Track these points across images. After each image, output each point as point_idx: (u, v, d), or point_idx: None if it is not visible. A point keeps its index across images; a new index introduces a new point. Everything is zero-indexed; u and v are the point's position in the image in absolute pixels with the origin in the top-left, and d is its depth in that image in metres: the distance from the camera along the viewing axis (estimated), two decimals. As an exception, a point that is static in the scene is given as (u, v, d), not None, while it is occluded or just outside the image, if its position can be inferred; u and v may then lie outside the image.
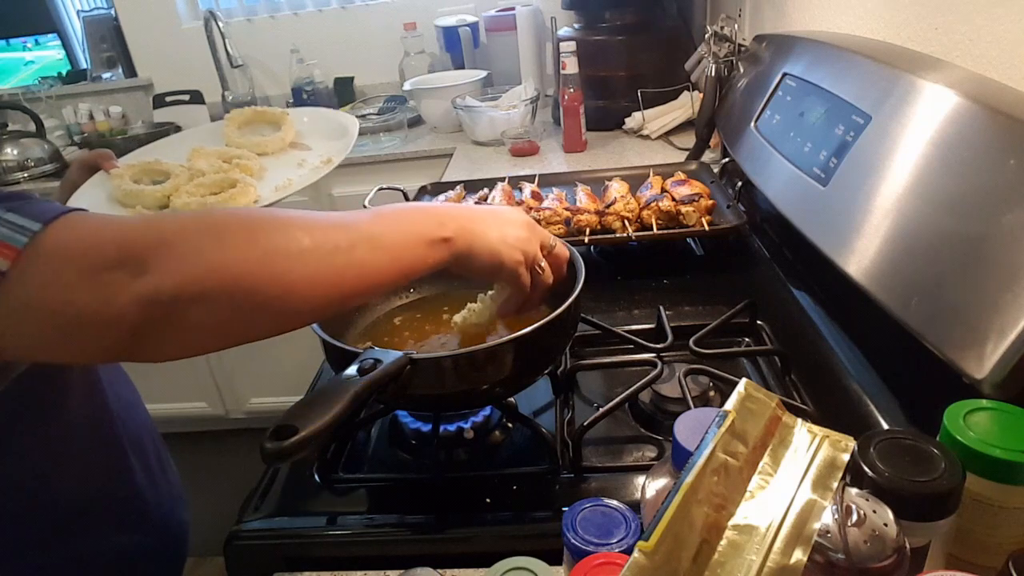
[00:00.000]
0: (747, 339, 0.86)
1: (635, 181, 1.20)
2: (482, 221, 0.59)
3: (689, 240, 1.14)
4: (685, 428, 0.46)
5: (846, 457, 0.38)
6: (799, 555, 0.33)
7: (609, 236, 1.05)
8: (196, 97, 2.42)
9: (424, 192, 1.36)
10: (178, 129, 2.36)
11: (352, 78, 2.44)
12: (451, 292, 0.84)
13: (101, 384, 0.68)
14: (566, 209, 1.07)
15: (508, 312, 0.68)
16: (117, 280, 0.42)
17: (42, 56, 2.93)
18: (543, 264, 0.64)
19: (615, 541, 0.46)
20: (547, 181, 1.30)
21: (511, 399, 0.75)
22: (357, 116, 2.15)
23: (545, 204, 1.10)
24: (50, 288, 0.43)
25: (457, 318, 0.74)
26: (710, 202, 1.05)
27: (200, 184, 0.87)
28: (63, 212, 0.44)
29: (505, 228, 0.60)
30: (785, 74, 0.99)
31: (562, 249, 0.68)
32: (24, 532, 0.60)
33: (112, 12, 2.55)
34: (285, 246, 0.47)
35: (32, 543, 0.61)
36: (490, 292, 0.72)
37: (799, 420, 0.41)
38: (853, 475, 0.42)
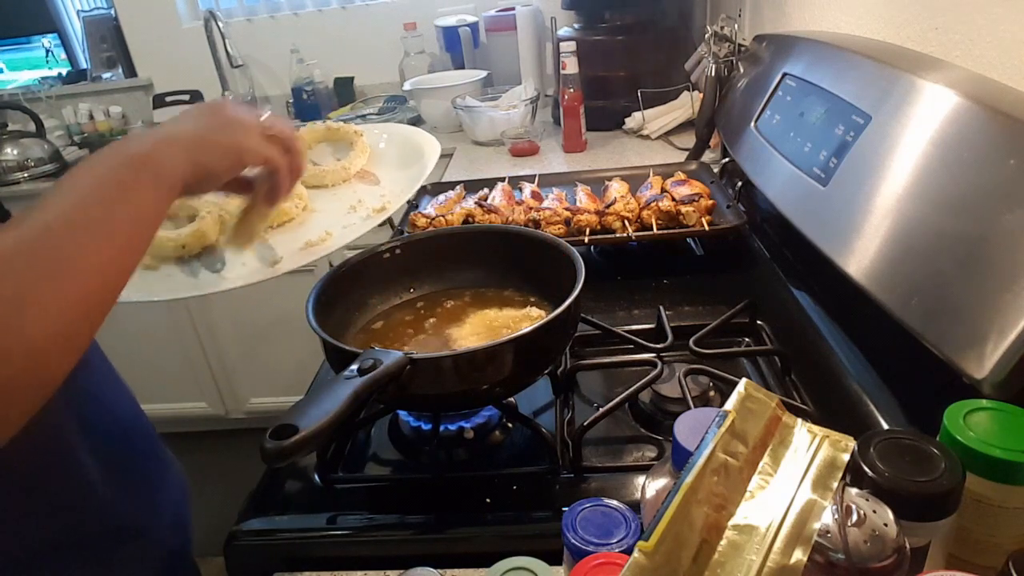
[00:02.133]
0: (747, 339, 0.86)
1: (635, 181, 1.20)
2: (190, 129, 0.52)
3: (689, 240, 1.14)
4: (685, 428, 0.46)
5: (846, 457, 0.38)
6: (799, 555, 0.33)
7: (609, 236, 1.05)
8: (196, 97, 2.42)
9: (424, 192, 1.36)
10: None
11: (352, 78, 2.44)
12: (451, 290, 0.85)
13: (53, 413, 0.55)
14: (566, 209, 1.07)
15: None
16: None
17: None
18: (275, 132, 0.58)
19: (615, 541, 0.46)
20: (547, 181, 1.30)
21: (511, 399, 0.75)
22: (357, 116, 2.16)
23: (545, 204, 1.10)
24: None
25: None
26: (710, 202, 1.05)
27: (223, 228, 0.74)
28: None
29: (216, 122, 0.54)
30: (785, 74, 0.99)
31: (282, 123, 0.61)
32: None
33: (112, 12, 2.55)
34: None
35: None
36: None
37: (799, 420, 0.41)
38: (853, 475, 0.42)
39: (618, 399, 0.68)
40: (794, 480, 0.37)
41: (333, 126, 0.87)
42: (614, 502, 0.49)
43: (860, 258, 0.65)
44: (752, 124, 1.05)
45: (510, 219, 1.10)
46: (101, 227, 0.43)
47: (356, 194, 0.82)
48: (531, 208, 1.10)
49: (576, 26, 1.84)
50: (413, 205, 1.30)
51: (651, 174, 1.21)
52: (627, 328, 0.85)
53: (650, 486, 0.48)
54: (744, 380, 0.41)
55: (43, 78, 2.72)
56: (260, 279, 0.71)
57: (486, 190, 1.21)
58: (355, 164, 0.82)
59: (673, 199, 1.06)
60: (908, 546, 0.37)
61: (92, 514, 0.61)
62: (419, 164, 0.82)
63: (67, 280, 0.40)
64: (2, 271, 0.38)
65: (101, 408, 0.66)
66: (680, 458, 0.45)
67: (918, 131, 0.64)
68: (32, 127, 2.35)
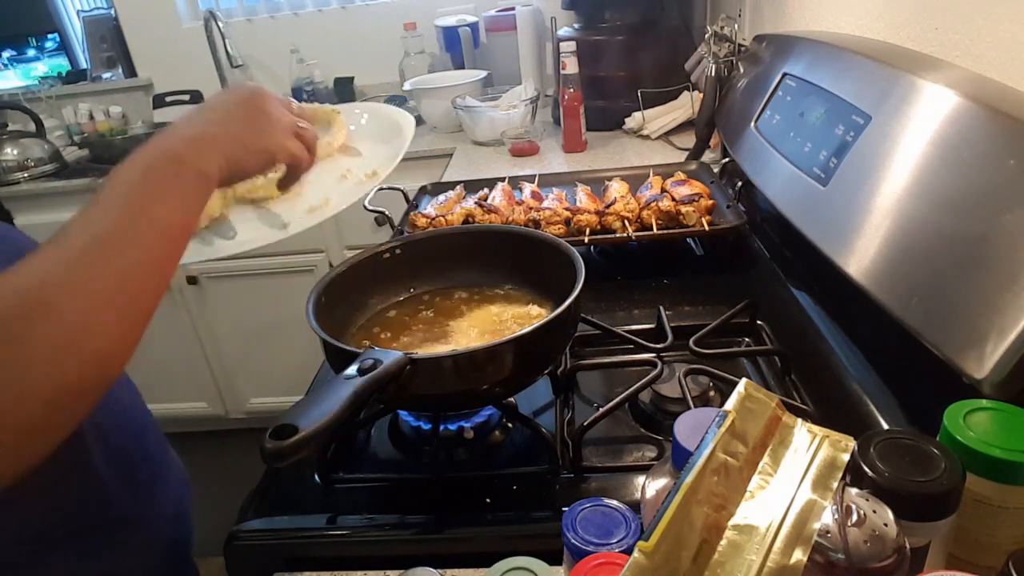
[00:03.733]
0: (747, 339, 0.86)
1: (635, 181, 1.20)
2: (225, 128, 0.53)
3: (689, 240, 1.14)
4: (685, 428, 0.46)
5: (846, 457, 0.38)
6: (799, 555, 0.33)
7: (609, 236, 1.05)
8: (196, 97, 2.41)
9: (424, 192, 1.36)
10: (178, 129, 2.36)
11: (352, 78, 2.44)
12: (451, 290, 0.85)
13: None
14: (566, 209, 1.07)
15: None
16: None
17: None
18: (302, 124, 0.61)
19: (615, 541, 0.46)
20: (547, 181, 1.30)
21: (511, 399, 0.75)
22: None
23: (545, 204, 1.10)
24: None
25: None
26: (710, 202, 1.05)
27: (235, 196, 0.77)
28: None
29: (250, 120, 0.55)
30: (785, 74, 1.00)
31: (303, 105, 0.64)
32: None
33: (112, 12, 2.55)
34: (64, 325, 0.39)
35: (2, 568, 0.57)
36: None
37: (799, 420, 0.41)
38: (853, 475, 0.42)
39: (618, 399, 0.68)
40: (794, 480, 0.37)
41: (310, 107, 0.88)
42: (614, 502, 0.49)
43: (860, 258, 0.65)
44: (752, 124, 1.05)
45: (510, 219, 1.10)
46: (146, 230, 0.45)
47: (344, 165, 0.85)
48: (531, 208, 1.10)
49: (576, 26, 1.84)
50: (413, 205, 1.30)
51: (651, 174, 1.21)
52: (627, 328, 0.85)
53: (650, 486, 0.48)
54: (744, 380, 0.41)
55: (43, 78, 2.72)
56: (273, 240, 0.74)
57: (486, 190, 1.21)
58: (337, 139, 0.85)
59: (673, 199, 1.06)
60: (908, 546, 0.37)
61: (99, 505, 0.62)
62: (399, 137, 0.85)
63: (124, 283, 0.42)
64: (69, 284, 0.40)
65: (110, 400, 0.66)
66: (680, 458, 0.45)
67: (918, 131, 0.64)
68: (32, 127, 2.35)
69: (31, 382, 0.38)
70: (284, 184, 0.67)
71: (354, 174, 0.82)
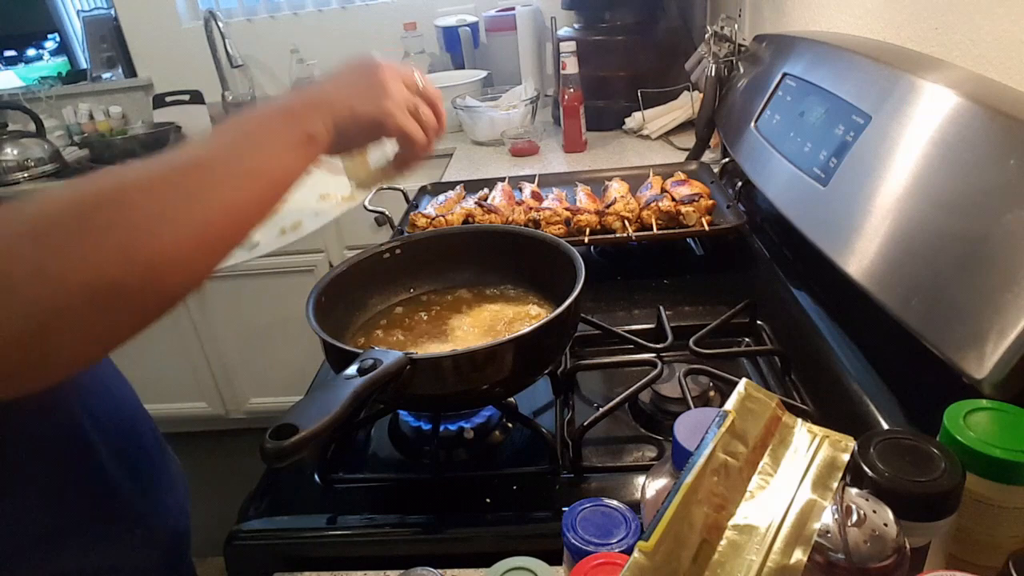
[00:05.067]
0: (747, 339, 0.86)
1: (635, 181, 1.20)
2: (338, 93, 0.54)
3: (689, 240, 1.14)
4: (685, 428, 0.46)
5: (846, 457, 0.38)
6: (799, 555, 0.33)
7: (609, 236, 1.05)
8: (196, 97, 2.41)
9: (424, 192, 1.36)
10: (178, 129, 2.36)
11: (352, 78, 2.44)
12: (452, 290, 0.85)
13: (67, 400, 0.60)
14: (566, 209, 1.07)
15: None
16: None
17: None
18: (421, 107, 0.60)
19: (615, 541, 0.46)
20: (547, 181, 1.30)
21: (511, 399, 0.75)
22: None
23: (545, 204, 1.10)
24: None
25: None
26: (710, 202, 1.05)
27: None
28: None
29: (364, 88, 0.55)
30: (785, 74, 1.00)
31: (431, 87, 0.62)
32: None
33: (112, 12, 2.55)
34: (129, 217, 0.40)
35: (7, 559, 0.57)
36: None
37: (799, 420, 0.41)
38: (853, 475, 0.42)
39: (618, 399, 0.68)
40: (794, 480, 0.37)
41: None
42: (614, 502, 0.49)
43: (860, 258, 0.65)
44: (752, 124, 1.05)
45: (510, 219, 1.10)
46: (244, 169, 0.45)
47: (323, 184, 0.82)
48: (531, 208, 1.10)
49: (576, 26, 1.84)
50: (413, 205, 1.30)
51: (651, 174, 1.21)
52: (627, 328, 0.85)
53: (650, 486, 0.48)
54: (744, 380, 0.41)
55: (43, 78, 2.72)
56: (237, 261, 0.73)
57: (486, 190, 1.21)
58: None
59: (673, 199, 1.06)
60: (908, 546, 0.37)
61: (103, 497, 0.63)
62: (379, 151, 0.85)
63: (202, 209, 0.42)
64: (151, 190, 0.41)
65: (110, 399, 0.67)
66: (680, 458, 0.45)
67: (918, 131, 0.64)
68: (32, 127, 2.35)
69: (78, 263, 0.38)
70: (398, 165, 0.64)
71: (333, 196, 0.80)
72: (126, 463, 0.66)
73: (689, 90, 1.64)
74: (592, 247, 1.12)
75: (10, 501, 0.56)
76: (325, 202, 0.78)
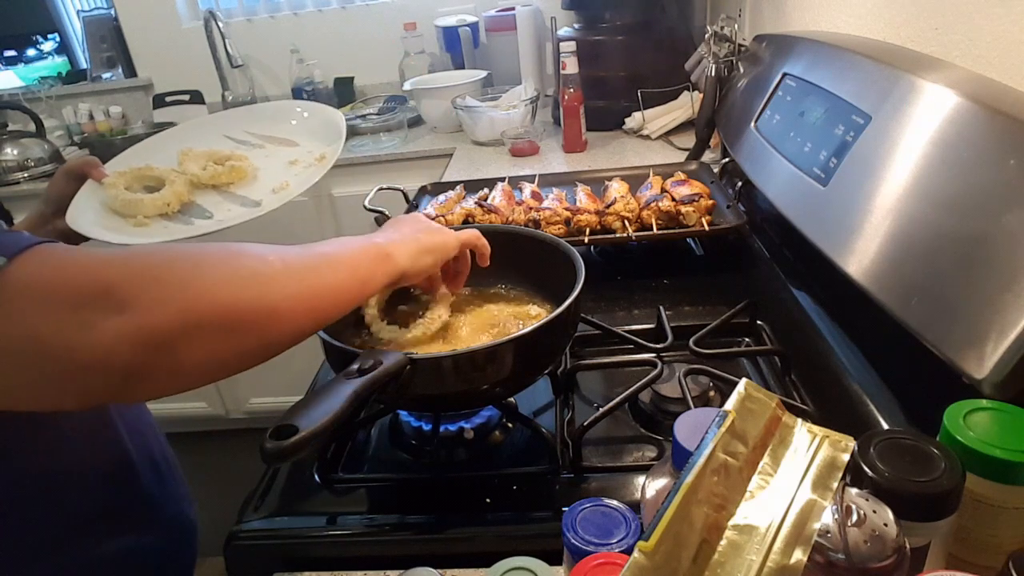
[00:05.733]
0: (747, 339, 0.86)
1: (635, 181, 1.20)
2: (410, 240, 0.64)
3: (689, 240, 1.14)
4: (685, 428, 0.46)
5: (846, 457, 0.38)
6: (799, 555, 0.33)
7: (609, 236, 1.05)
8: (196, 97, 2.41)
9: (424, 192, 1.36)
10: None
11: (352, 78, 2.44)
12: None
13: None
14: (566, 209, 1.07)
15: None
16: (98, 317, 0.40)
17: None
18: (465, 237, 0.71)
19: (615, 541, 0.46)
20: (547, 181, 1.30)
21: (511, 399, 0.75)
22: (357, 116, 2.16)
23: (545, 204, 1.10)
24: (21, 327, 0.40)
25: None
26: (710, 202, 1.05)
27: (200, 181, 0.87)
28: (30, 244, 0.42)
29: (422, 231, 0.65)
30: (785, 74, 1.00)
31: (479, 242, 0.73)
32: (34, 537, 0.60)
33: (112, 12, 2.55)
34: (263, 270, 0.49)
35: (44, 547, 0.60)
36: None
37: (799, 420, 0.41)
38: (853, 475, 0.42)
39: (618, 399, 0.68)
40: (794, 480, 0.37)
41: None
42: (614, 502, 0.49)
43: (860, 258, 0.65)
44: (752, 124, 1.05)
45: (510, 219, 1.10)
46: (344, 265, 0.55)
47: (285, 156, 0.96)
48: (531, 208, 1.10)
49: (576, 26, 1.84)
50: (413, 205, 1.30)
51: (651, 174, 1.21)
52: (627, 328, 0.85)
53: (650, 486, 0.48)
54: (744, 380, 0.41)
55: (43, 78, 2.72)
56: (248, 217, 0.82)
57: (486, 190, 1.21)
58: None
59: (673, 199, 1.06)
60: (908, 546, 0.37)
61: (128, 483, 0.68)
62: (336, 127, 0.94)
63: (315, 282, 0.52)
64: (284, 258, 0.51)
65: (134, 411, 0.72)
66: (680, 458, 0.45)
67: (918, 131, 0.64)
68: (32, 127, 2.35)
69: (220, 290, 0.45)
70: (455, 282, 0.75)
71: (302, 161, 0.94)
72: (144, 449, 0.70)
73: (689, 90, 1.64)
74: (592, 247, 1.12)
75: (48, 492, 0.60)
76: (297, 165, 0.93)
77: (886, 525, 0.37)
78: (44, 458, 0.60)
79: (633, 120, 1.73)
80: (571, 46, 1.56)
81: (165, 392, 0.45)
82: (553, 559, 0.47)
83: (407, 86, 2.08)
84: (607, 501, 0.49)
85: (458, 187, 1.28)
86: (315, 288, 0.52)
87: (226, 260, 0.47)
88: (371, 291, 0.58)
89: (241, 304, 0.46)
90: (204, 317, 0.44)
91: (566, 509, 0.49)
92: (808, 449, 0.39)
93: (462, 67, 2.25)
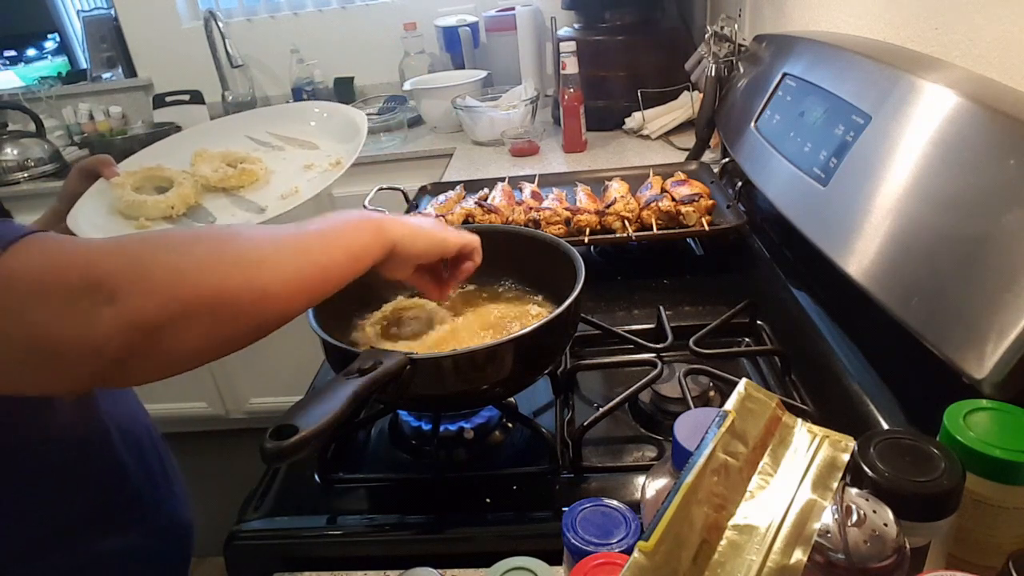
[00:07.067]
0: (747, 339, 0.86)
1: (635, 181, 1.20)
2: (404, 220, 0.64)
3: (689, 240, 1.14)
4: (685, 428, 0.46)
5: (846, 457, 0.38)
6: (799, 555, 0.33)
7: (609, 236, 1.05)
8: (196, 97, 2.41)
9: (424, 192, 1.36)
10: (178, 129, 2.36)
11: (352, 78, 2.44)
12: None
13: (90, 397, 0.66)
14: (566, 209, 1.07)
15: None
16: (89, 307, 0.41)
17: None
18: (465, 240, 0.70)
19: (615, 541, 0.46)
20: (547, 181, 1.30)
21: (511, 399, 0.75)
22: (357, 116, 2.16)
23: (545, 204, 1.10)
24: (13, 316, 0.41)
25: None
26: (710, 202, 1.05)
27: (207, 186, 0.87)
28: (23, 234, 0.43)
29: (423, 224, 0.65)
30: (785, 74, 0.99)
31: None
32: (22, 539, 0.60)
33: (112, 12, 2.55)
34: (252, 254, 0.49)
35: (32, 549, 0.61)
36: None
37: (799, 420, 0.41)
38: (853, 475, 0.42)
39: (618, 399, 0.68)
40: (794, 480, 0.37)
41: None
42: (614, 502, 0.49)
43: (860, 258, 0.65)
44: (752, 124, 1.05)
45: (510, 219, 1.10)
46: (336, 245, 0.55)
47: (302, 158, 0.94)
48: (531, 208, 1.10)
49: (576, 26, 1.84)
50: (413, 205, 1.30)
51: (651, 174, 1.21)
52: (627, 328, 0.85)
53: (650, 486, 0.48)
54: (744, 380, 0.41)
55: (43, 78, 2.72)
56: (252, 223, 0.82)
57: (486, 190, 1.21)
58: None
59: (673, 199, 1.06)
60: (908, 546, 0.37)
61: (119, 481, 0.68)
62: (356, 131, 0.93)
63: (305, 263, 0.52)
64: (275, 240, 0.51)
65: (117, 398, 0.72)
66: (680, 458, 0.45)
67: (918, 131, 0.64)
68: (32, 127, 2.35)
69: (210, 275, 0.46)
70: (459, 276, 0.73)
71: (317, 165, 0.91)
72: (135, 449, 0.70)
73: (689, 90, 1.64)
74: (592, 247, 1.12)
75: (36, 494, 0.60)
76: (312, 171, 0.91)
77: (886, 525, 0.37)
78: (32, 460, 0.60)
79: (633, 120, 1.73)
80: (571, 46, 1.56)
81: (160, 376, 0.46)
82: (553, 559, 0.47)
83: (407, 86, 2.08)
84: (607, 501, 0.49)
85: (458, 187, 1.28)
86: (308, 269, 0.52)
87: (216, 246, 0.48)
88: (364, 266, 0.57)
89: (230, 289, 0.46)
90: (192, 305, 0.44)
91: (566, 509, 0.49)
92: (808, 449, 0.39)
93: (462, 67, 2.25)
